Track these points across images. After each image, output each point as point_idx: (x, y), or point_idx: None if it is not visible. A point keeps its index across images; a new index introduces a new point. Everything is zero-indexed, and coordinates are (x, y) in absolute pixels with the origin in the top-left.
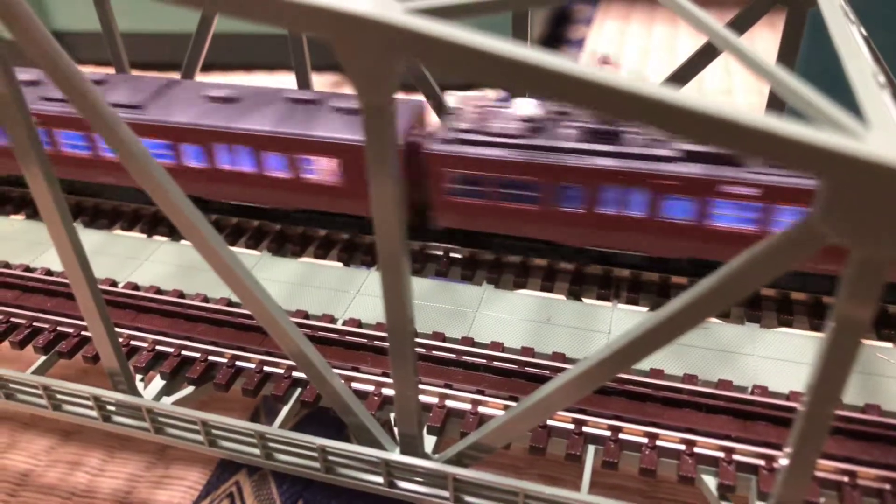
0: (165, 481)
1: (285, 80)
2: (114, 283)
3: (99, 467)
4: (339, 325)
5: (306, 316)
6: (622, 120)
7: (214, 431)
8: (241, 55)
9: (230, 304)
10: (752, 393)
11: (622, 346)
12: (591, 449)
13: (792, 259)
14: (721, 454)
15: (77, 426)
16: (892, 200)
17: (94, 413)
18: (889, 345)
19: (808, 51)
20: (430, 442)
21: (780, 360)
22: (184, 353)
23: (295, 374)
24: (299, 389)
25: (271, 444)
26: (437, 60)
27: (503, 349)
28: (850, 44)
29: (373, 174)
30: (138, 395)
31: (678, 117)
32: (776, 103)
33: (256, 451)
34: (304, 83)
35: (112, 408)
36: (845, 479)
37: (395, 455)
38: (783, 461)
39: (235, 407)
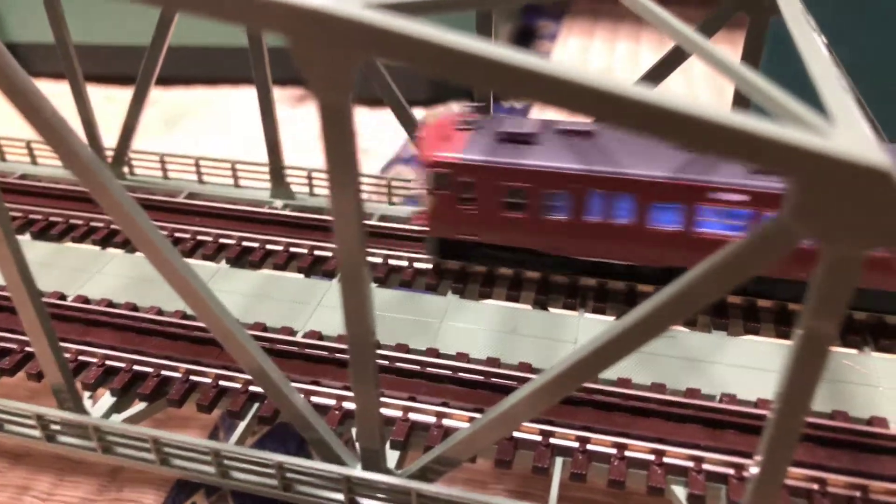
0: None
1: (250, 94)
2: (62, 297)
3: (48, 491)
4: (298, 338)
5: (265, 328)
6: (589, 117)
7: (167, 449)
8: (204, 68)
9: (185, 316)
10: (721, 401)
11: (587, 354)
12: (559, 461)
13: (764, 259)
14: (690, 464)
15: (26, 448)
16: (859, 195)
17: (37, 433)
18: (854, 351)
19: (768, 62)
20: (393, 457)
21: (747, 367)
22: (135, 368)
23: (252, 388)
24: (257, 404)
25: (227, 462)
26: (397, 57)
27: (468, 360)
28: (813, 48)
29: (333, 180)
30: (85, 412)
31: (646, 114)
32: (740, 107)
33: (211, 469)
34: (264, 97)
35: (57, 427)
36: (815, 486)
37: (357, 471)
38: (753, 470)
39: (193, 424)
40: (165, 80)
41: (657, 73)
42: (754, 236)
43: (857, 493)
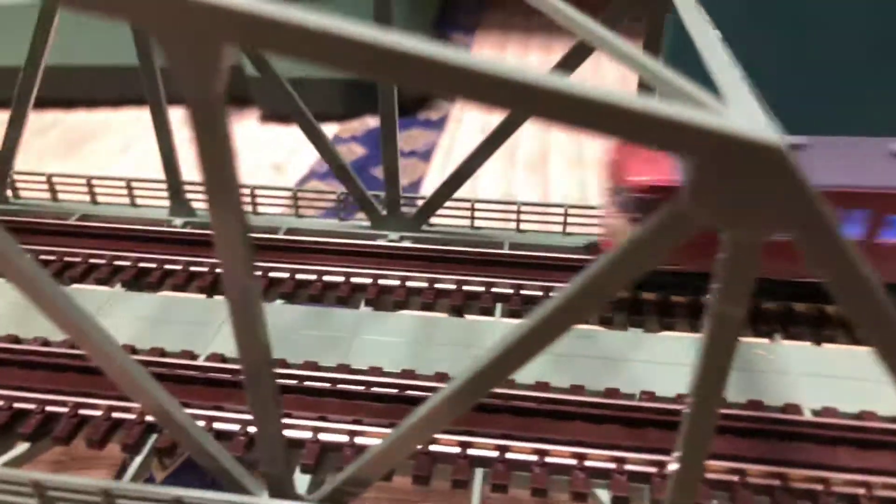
0: None
1: (138, 116)
2: None
3: None
4: (200, 362)
5: (163, 353)
6: (488, 105)
7: (51, 493)
8: (108, 89)
9: (73, 346)
10: (640, 399)
11: (495, 358)
12: (479, 472)
13: (664, 247)
14: (612, 465)
15: None
16: (753, 174)
17: None
18: (766, 341)
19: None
20: (305, 482)
21: (665, 363)
22: (15, 405)
23: (150, 418)
24: (155, 436)
25: (120, 502)
26: (271, 47)
27: (382, 374)
28: (708, 39)
29: (210, 188)
30: None
31: (547, 99)
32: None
33: None
34: (157, 111)
35: None
36: (735, 478)
37: (263, 500)
38: (673, 466)
39: (101, 465)
40: (67, 103)
41: (562, 69)
42: (651, 225)
43: (777, 482)
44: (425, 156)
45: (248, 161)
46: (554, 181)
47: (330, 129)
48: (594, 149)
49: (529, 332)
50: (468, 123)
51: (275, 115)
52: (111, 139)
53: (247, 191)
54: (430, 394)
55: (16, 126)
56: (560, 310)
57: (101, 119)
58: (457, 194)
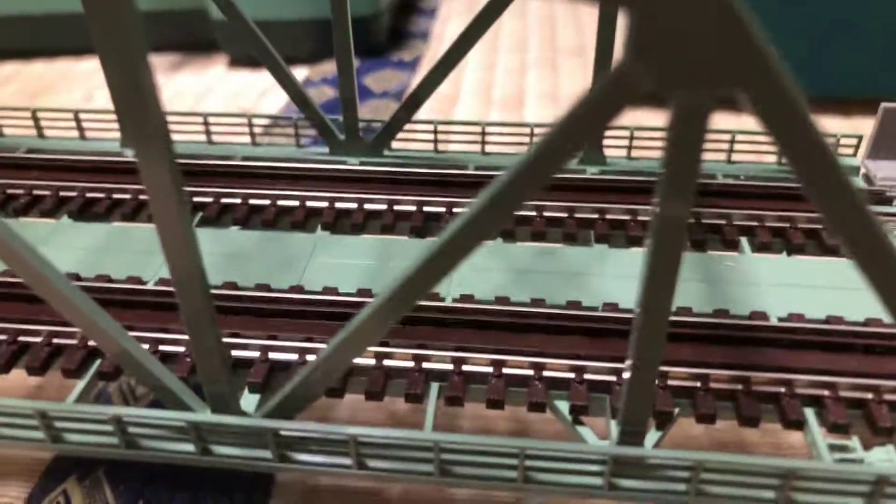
0: None
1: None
2: None
3: None
4: (149, 286)
5: (109, 280)
6: None
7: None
8: (68, 38)
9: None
10: (602, 310)
11: (431, 254)
12: (435, 386)
13: (609, 112)
14: (572, 375)
15: None
16: (701, 25)
17: None
18: (735, 253)
19: None
20: (253, 402)
21: (631, 277)
22: None
23: (92, 343)
24: (99, 360)
25: (58, 424)
26: None
27: (336, 293)
28: None
29: (128, 112)
30: None
31: None
32: None
33: (39, 434)
34: None
35: None
36: (697, 384)
37: (204, 415)
38: (626, 374)
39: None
40: (25, 53)
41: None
42: (596, 88)
43: (740, 387)
44: (398, 96)
45: (216, 107)
46: (529, 119)
47: (300, 73)
48: (571, 87)
49: (477, 214)
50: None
51: (243, 60)
52: (73, 89)
53: (199, 119)
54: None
55: None
56: (512, 183)
57: (61, 69)
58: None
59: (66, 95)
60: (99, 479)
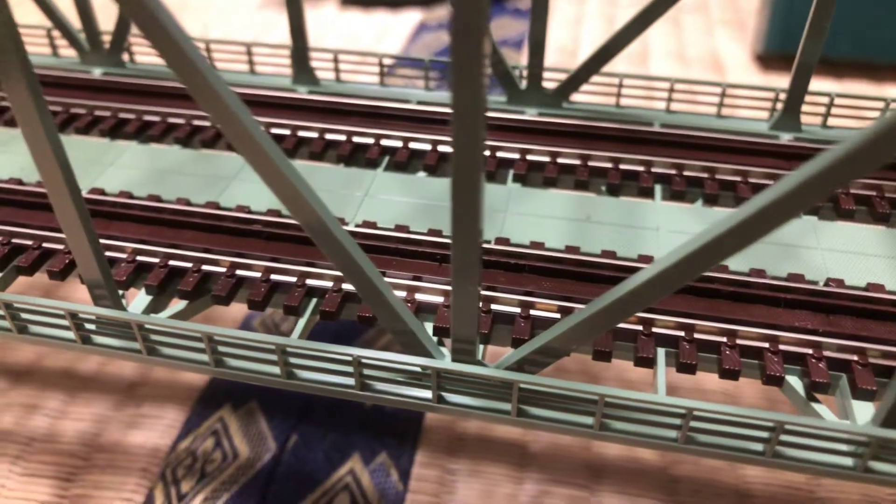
0: (139, 421)
1: None
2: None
3: (59, 409)
4: (352, 228)
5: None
6: None
7: (222, 349)
8: None
9: (219, 208)
10: (828, 286)
11: (712, 239)
12: (662, 352)
13: None
14: (809, 350)
15: (28, 367)
16: None
17: (70, 334)
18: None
19: None
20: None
21: (847, 252)
22: (171, 263)
23: (309, 282)
24: (315, 300)
25: (293, 360)
26: None
27: (544, 249)
28: None
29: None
30: (124, 310)
31: None
32: None
33: (276, 369)
34: None
35: (92, 326)
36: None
37: (448, 363)
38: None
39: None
40: None
41: None
42: None
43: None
44: (517, 45)
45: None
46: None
47: (413, 17)
48: (696, 46)
49: (797, 189)
50: (559, 13)
51: (354, 0)
52: (209, 7)
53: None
54: (600, 271)
55: None
56: (846, 161)
57: None
58: None
59: (205, 11)
60: (254, 410)
